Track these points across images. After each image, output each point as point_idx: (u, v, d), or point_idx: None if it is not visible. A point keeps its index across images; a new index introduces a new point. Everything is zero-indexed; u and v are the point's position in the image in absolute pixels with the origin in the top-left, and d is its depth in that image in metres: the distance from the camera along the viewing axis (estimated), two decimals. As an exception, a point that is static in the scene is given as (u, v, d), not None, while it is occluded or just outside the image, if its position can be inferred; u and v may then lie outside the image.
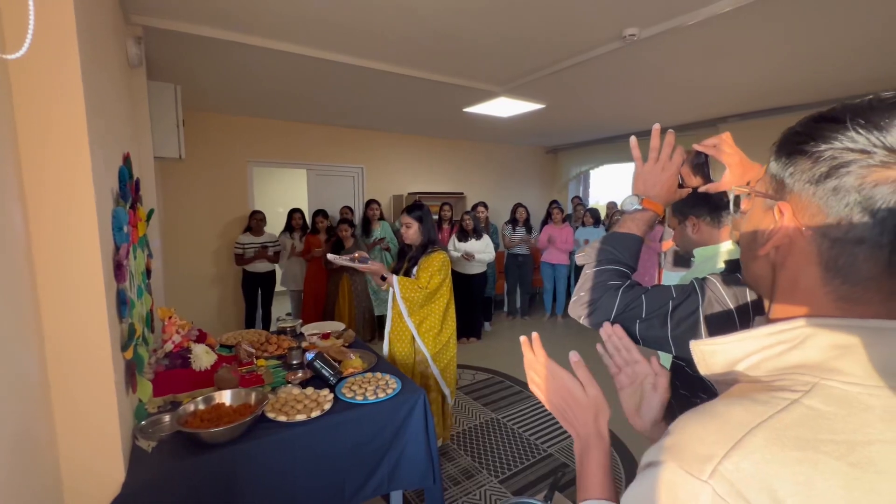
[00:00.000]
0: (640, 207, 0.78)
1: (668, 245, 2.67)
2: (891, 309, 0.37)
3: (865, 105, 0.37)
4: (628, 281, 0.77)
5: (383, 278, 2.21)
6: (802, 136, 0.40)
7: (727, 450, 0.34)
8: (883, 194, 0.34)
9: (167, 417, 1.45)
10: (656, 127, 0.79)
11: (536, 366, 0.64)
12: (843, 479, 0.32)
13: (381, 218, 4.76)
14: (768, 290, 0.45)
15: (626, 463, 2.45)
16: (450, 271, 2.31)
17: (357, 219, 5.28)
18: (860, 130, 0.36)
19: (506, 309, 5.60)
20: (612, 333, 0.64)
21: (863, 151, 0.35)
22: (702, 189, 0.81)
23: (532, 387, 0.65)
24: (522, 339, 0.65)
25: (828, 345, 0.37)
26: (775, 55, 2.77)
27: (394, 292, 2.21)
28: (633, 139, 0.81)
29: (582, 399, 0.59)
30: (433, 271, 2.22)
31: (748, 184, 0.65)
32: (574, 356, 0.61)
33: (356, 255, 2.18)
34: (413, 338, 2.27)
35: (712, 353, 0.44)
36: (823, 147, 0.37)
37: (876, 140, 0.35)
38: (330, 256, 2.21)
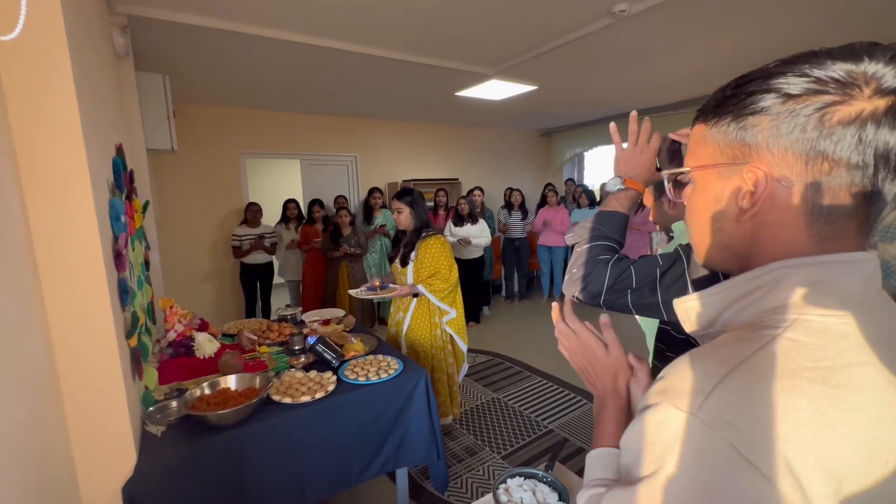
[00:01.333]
0: (623, 187, 0.84)
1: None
2: (861, 239, 0.40)
3: (795, 57, 0.38)
4: (617, 255, 0.80)
5: (416, 295, 2.30)
6: (748, 96, 0.40)
7: (714, 384, 0.35)
8: (852, 131, 0.35)
9: (174, 403, 1.48)
10: (633, 113, 0.85)
11: (563, 327, 0.66)
12: (828, 400, 0.33)
13: (384, 206, 4.76)
14: (741, 254, 0.44)
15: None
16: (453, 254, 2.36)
17: (353, 207, 5.28)
18: (807, 71, 0.37)
19: (504, 293, 5.64)
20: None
21: (817, 92, 0.36)
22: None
23: (560, 347, 0.68)
24: (554, 304, 0.69)
25: (802, 282, 0.39)
26: (767, 29, 2.75)
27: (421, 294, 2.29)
28: (612, 125, 0.86)
29: (603, 358, 0.61)
30: (449, 262, 2.27)
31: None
32: (604, 317, 0.63)
33: (376, 283, 2.28)
34: (435, 323, 2.34)
35: (695, 308, 0.46)
36: (778, 99, 0.38)
37: (825, 76, 0.36)
38: (352, 292, 2.30)
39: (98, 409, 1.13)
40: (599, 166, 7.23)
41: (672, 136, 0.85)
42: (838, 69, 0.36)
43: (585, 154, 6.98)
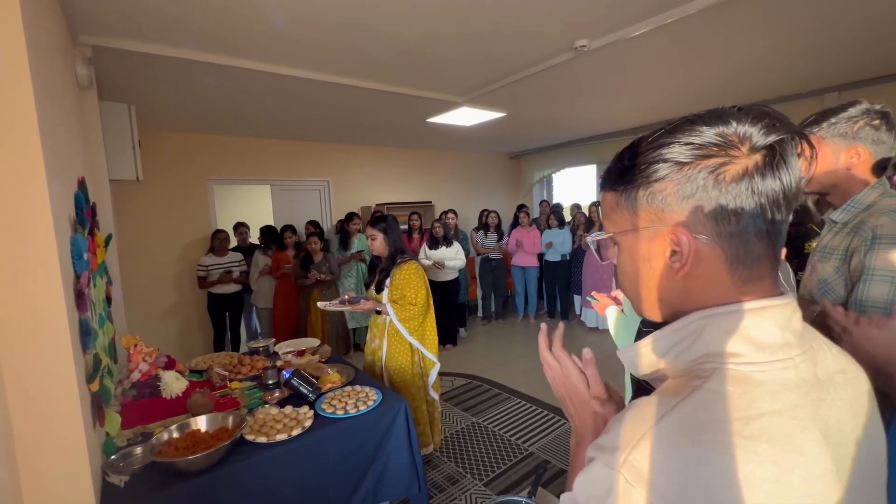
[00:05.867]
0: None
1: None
2: (775, 277, 0.44)
3: (675, 127, 0.43)
4: None
5: (379, 312, 2.27)
6: (647, 166, 0.44)
7: (636, 441, 0.38)
8: (744, 185, 0.40)
9: (138, 449, 1.39)
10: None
11: (549, 357, 0.64)
12: (740, 452, 0.35)
13: (362, 232, 4.74)
14: (675, 305, 0.46)
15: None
16: (426, 278, 2.35)
17: (327, 232, 5.22)
18: (689, 140, 0.41)
19: (480, 314, 5.66)
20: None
21: (704, 157, 0.41)
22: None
23: (546, 374, 0.65)
24: (543, 326, 0.66)
25: (720, 332, 0.42)
26: (716, 63, 2.99)
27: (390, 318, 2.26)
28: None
29: (584, 395, 0.59)
30: (416, 285, 2.25)
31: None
32: (587, 353, 0.61)
33: (346, 297, 2.26)
34: (412, 350, 2.31)
35: (637, 357, 0.48)
36: (673, 167, 0.42)
37: (705, 142, 0.41)
38: (320, 305, 2.29)
39: (55, 461, 1.05)
40: (568, 187, 7.48)
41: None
42: (713, 134, 0.41)
43: (554, 175, 7.22)
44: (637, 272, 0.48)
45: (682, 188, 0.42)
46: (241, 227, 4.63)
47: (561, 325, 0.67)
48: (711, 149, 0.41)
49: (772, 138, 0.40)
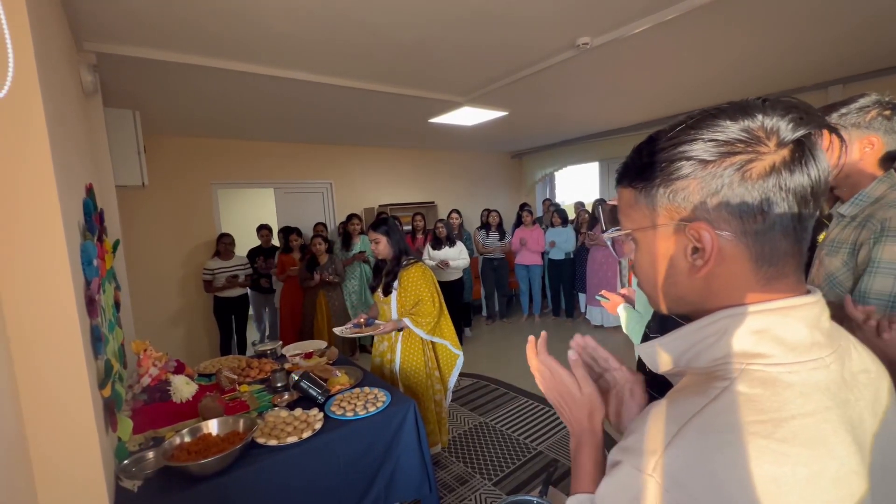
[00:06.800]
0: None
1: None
2: (800, 275, 0.43)
3: (698, 121, 0.41)
4: None
5: (401, 329, 2.27)
6: (668, 163, 0.42)
7: (667, 444, 0.37)
8: (772, 182, 0.39)
9: (151, 454, 1.40)
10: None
11: (537, 363, 0.64)
12: (772, 456, 0.34)
13: (363, 232, 4.74)
14: (695, 302, 0.45)
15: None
16: (435, 279, 2.37)
17: (329, 234, 5.23)
18: (713, 136, 0.40)
19: (484, 313, 5.66)
20: (584, 345, 0.65)
21: (729, 154, 0.39)
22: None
23: (538, 383, 0.65)
24: (530, 338, 0.66)
25: (746, 332, 0.41)
26: (718, 56, 2.97)
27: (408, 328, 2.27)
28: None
29: (577, 397, 0.59)
30: (430, 290, 2.26)
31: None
32: (573, 355, 0.62)
33: (360, 319, 2.27)
34: (423, 351, 2.33)
35: (656, 353, 0.48)
36: (697, 165, 0.40)
37: (730, 139, 0.39)
38: (336, 330, 2.28)
39: (70, 467, 1.06)
40: (570, 185, 7.48)
41: (611, 201, 0.87)
42: (738, 129, 0.39)
43: (556, 174, 7.21)
44: (656, 270, 0.47)
45: (707, 186, 0.40)
46: (263, 230, 4.64)
47: (543, 333, 0.66)
48: (737, 145, 0.39)
49: (800, 132, 0.39)
